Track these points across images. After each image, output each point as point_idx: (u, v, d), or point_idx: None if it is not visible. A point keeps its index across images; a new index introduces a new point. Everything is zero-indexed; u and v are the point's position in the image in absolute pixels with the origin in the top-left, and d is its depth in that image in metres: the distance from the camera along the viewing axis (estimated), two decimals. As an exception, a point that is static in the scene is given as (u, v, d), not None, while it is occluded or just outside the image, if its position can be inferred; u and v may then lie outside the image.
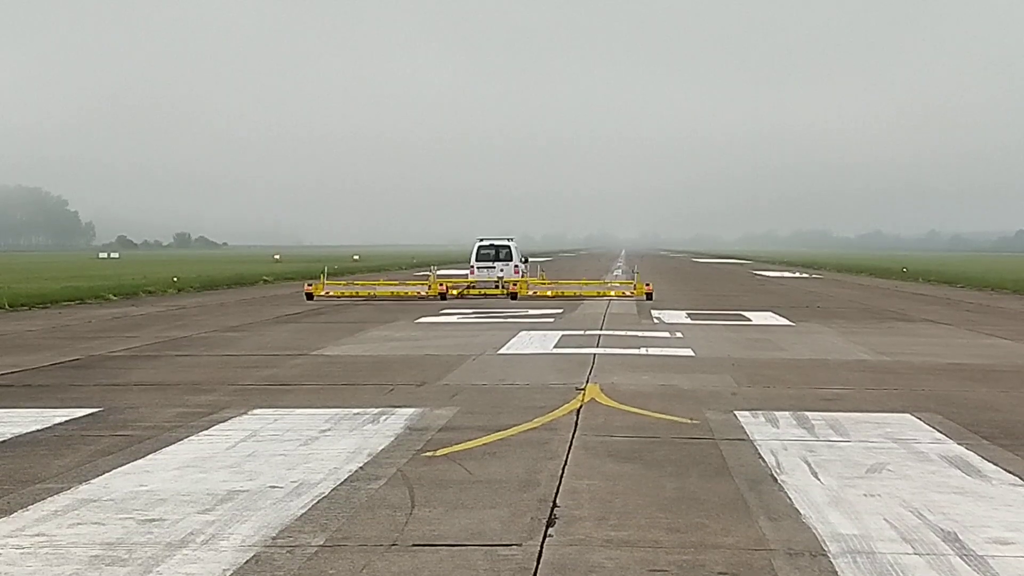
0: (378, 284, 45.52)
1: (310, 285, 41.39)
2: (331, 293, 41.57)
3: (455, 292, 41.85)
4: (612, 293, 42.22)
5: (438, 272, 45.29)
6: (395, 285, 44.31)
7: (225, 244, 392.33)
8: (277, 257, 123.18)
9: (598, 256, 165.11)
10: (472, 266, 44.92)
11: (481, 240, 45.92)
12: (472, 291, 43.11)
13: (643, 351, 21.14)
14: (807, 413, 13.42)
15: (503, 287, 42.57)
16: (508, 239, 45.94)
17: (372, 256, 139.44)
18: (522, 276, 44.07)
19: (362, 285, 44.89)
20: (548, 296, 41.25)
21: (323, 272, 48.49)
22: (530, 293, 41.37)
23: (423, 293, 41.00)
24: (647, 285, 41.14)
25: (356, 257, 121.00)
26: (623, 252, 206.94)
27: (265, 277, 59.90)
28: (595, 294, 42.25)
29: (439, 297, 40.15)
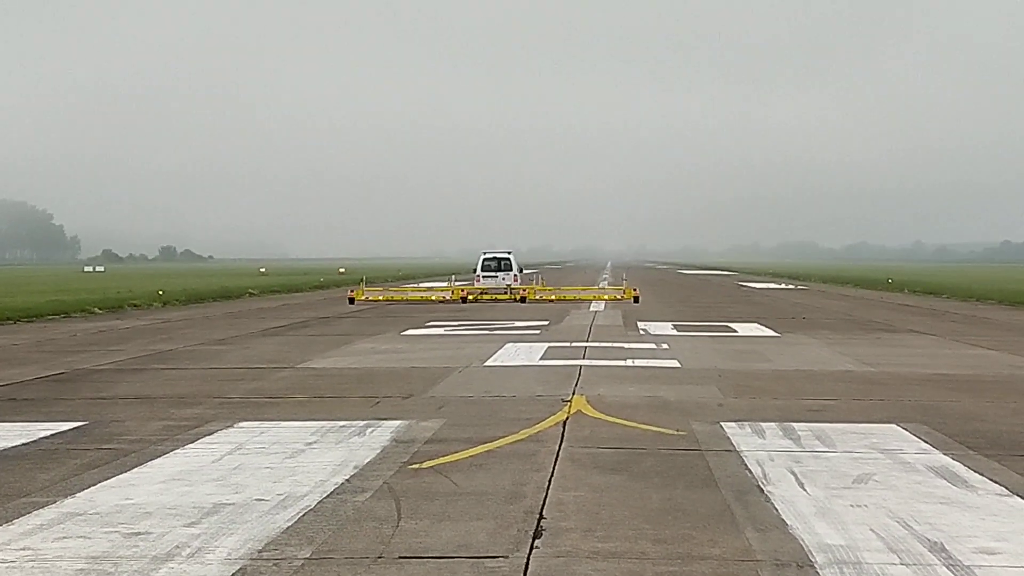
0: (408, 291, 53.23)
1: (352, 291, 49.06)
2: (370, 298, 49.03)
3: (472, 297, 48.98)
4: (605, 296, 49.90)
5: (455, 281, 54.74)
6: (423, 291, 52.45)
7: (211, 257, 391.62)
8: (263, 270, 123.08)
9: (584, 268, 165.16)
10: (478, 275, 52.56)
11: (485, 253, 53.64)
12: (485, 296, 50.39)
13: (629, 363, 21.16)
14: (793, 424, 13.44)
15: (512, 293, 49.66)
16: (508, 252, 53.55)
17: (359, 270, 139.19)
18: (520, 284, 51.32)
19: (396, 291, 52.46)
20: (552, 300, 48.03)
21: (362, 280, 57.52)
22: (537, 297, 48.22)
23: (447, 297, 48.50)
24: (634, 290, 48.78)
25: (342, 270, 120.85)
26: (609, 264, 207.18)
27: (251, 290, 59.80)
28: (591, 297, 49.85)
29: (461, 300, 47.49)
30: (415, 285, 65.69)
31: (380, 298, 49.67)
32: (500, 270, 52.26)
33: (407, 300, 49.58)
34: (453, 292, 49.09)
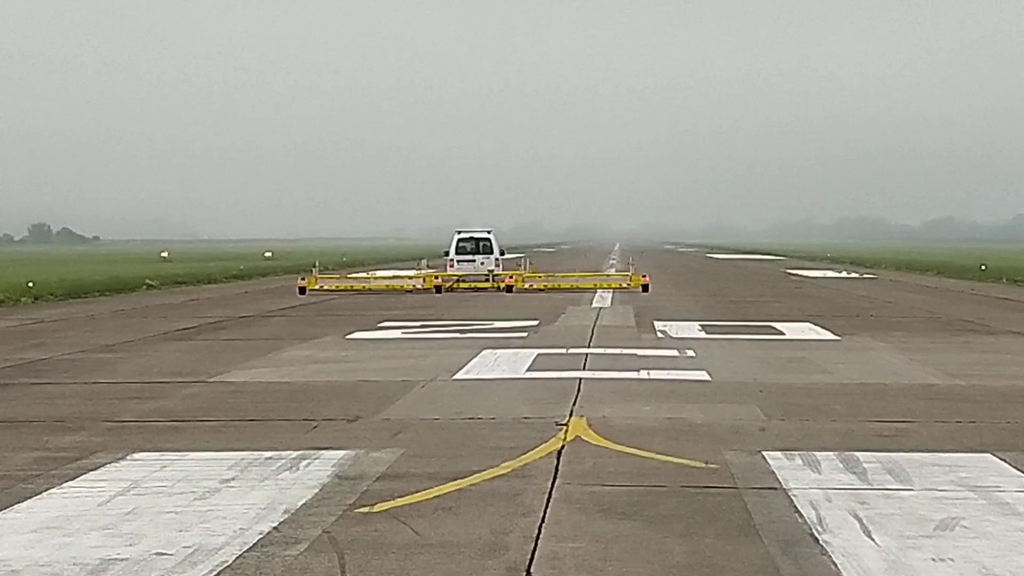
0: (371, 278, 57.85)
1: (303, 279, 51.82)
2: (325, 287, 52.27)
3: (447, 286, 52.16)
4: (608, 284, 53.38)
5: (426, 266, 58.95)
6: (388, 279, 56.74)
7: (96, 238, 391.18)
8: (165, 255, 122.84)
9: (585, 252, 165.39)
10: (452, 259, 55.75)
11: (460, 232, 57.21)
12: (463, 284, 53.60)
13: (644, 374, 21.18)
14: (858, 454, 13.46)
15: (496, 280, 53.02)
16: (487, 231, 57.22)
17: (290, 254, 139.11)
18: (502, 269, 54.87)
19: (356, 279, 57.39)
20: (543, 289, 51.70)
21: (315, 266, 60.21)
22: (526, 286, 51.68)
23: (419, 286, 52.26)
24: (643, 276, 51.56)
25: (268, 254, 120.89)
26: (617, 247, 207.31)
27: (150, 281, 59.71)
28: (592, 285, 53.35)
29: (435, 290, 51.06)
30: (369, 273, 66.43)
31: (337, 287, 53.38)
32: (479, 252, 55.66)
33: (370, 289, 53.38)
34: (425, 280, 52.88)
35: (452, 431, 15.21)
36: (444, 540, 9.78)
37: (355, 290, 53.15)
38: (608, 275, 61.28)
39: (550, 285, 53.00)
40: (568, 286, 53.16)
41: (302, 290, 50.30)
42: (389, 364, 23.08)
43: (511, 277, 52.19)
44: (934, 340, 28.17)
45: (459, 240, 56.45)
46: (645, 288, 50.00)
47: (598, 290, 51.40)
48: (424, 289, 51.70)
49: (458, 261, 55.69)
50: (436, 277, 52.83)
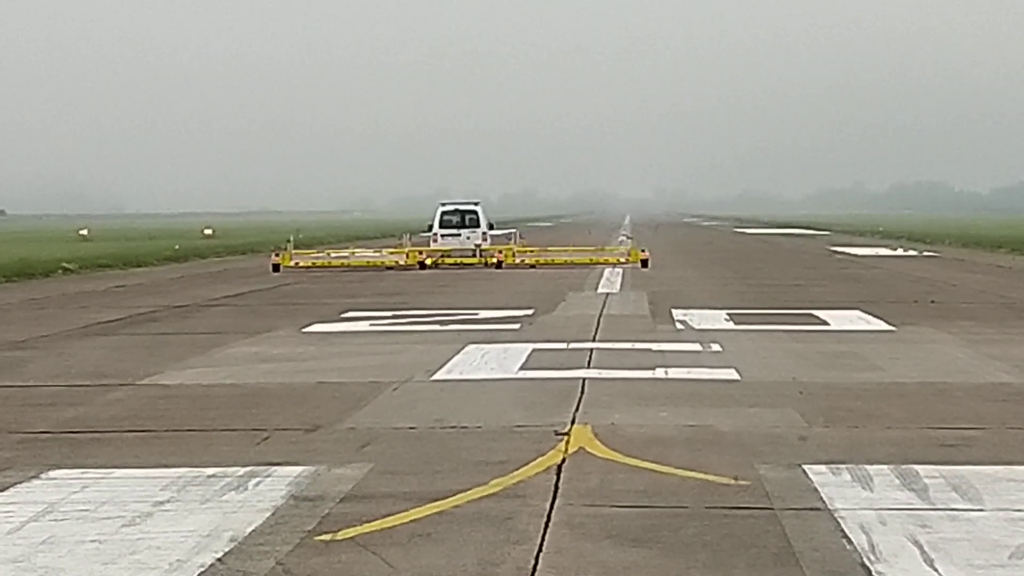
0: (352, 253, 64.36)
1: (277, 255, 57.37)
2: (301, 264, 57.82)
3: (431, 261, 57.70)
4: (603, 259, 58.80)
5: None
6: (369, 254, 63.54)
7: (2, 213, 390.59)
8: (84, 233, 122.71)
9: (589, 226, 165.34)
10: (435, 234, 60.74)
11: (444, 204, 63.11)
12: (448, 260, 59.19)
13: (660, 373, 21.20)
14: (917, 467, 13.46)
15: (483, 256, 58.52)
16: (474, 203, 63.04)
17: (235, 230, 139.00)
18: (491, 244, 60.24)
19: (335, 256, 62.86)
20: (534, 265, 57.24)
21: (289, 240, 65.92)
22: (517, 261, 57.03)
23: (402, 263, 57.71)
24: (643, 251, 57.51)
25: (209, 231, 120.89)
26: (628, 220, 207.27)
27: (66, 264, 59.58)
28: (588, 260, 58.72)
29: (419, 267, 56.57)
30: (350, 249, 71.12)
31: (315, 263, 59.36)
32: (465, 226, 60.80)
33: (348, 266, 59.27)
34: (408, 255, 58.22)
35: (430, 442, 15.22)
36: (422, 573, 9.78)
37: (333, 267, 58.73)
38: (604, 249, 65.72)
39: (543, 260, 58.81)
40: (562, 261, 58.89)
41: (276, 267, 55.54)
42: (354, 362, 23.08)
43: (500, 252, 57.71)
44: (1008, 331, 28.19)
45: (443, 213, 61.27)
46: (644, 263, 55.54)
47: (604, 271, 52.76)
48: (407, 266, 56.93)
49: (442, 236, 60.38)
50: (421, 252, 57.86)
